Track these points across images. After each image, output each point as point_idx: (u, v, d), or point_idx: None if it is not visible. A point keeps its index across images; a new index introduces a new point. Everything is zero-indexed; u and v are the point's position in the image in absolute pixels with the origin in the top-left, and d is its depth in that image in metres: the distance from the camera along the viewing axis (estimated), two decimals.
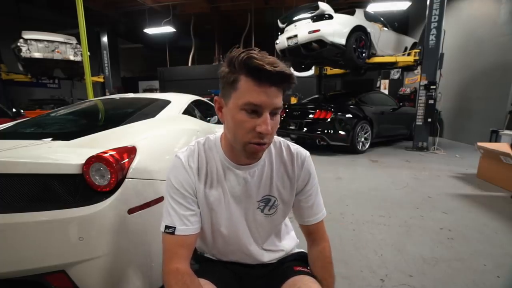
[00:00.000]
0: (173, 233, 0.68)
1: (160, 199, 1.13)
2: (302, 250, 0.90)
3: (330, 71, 8.12)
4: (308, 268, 0.82)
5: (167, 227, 0.69)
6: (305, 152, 0.80)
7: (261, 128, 0.61)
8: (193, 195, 0.73)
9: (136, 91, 13.22)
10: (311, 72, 7.86)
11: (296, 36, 5.24)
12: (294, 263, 0.84)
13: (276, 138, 0.79)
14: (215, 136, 0.77)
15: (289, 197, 0.78)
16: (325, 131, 4.81)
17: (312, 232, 0.81)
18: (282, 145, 0.79)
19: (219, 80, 0.66)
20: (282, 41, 5.64)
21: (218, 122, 2.50)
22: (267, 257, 0.83)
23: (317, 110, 4.98)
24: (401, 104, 6.51)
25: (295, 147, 0.79)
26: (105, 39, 10.87)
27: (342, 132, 4.82)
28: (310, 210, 0.80)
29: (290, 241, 0.90)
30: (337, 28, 4.97)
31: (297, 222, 0.84)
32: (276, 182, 0.76)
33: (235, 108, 0.62)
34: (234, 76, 0.61)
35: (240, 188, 0.75)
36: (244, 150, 0.65)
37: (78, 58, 7.69)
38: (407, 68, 7.07)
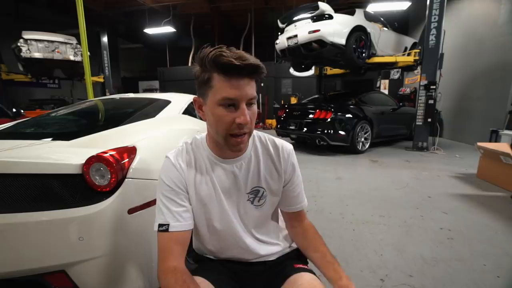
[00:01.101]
0: (167, 230, 0.70)
1: None
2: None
3: (330, 71, 8.11)
4: (308, 265, 0.83)
5: (160, 225, 0.71)
6: (289, 146, 0.84)
7: (240, 119, 0.65)
8: (184, 191, 0.75)
9: (136, 91, 13.21)
10: (311, 72, 7.86)
11: (296, 36, 5.23)
12: (293, 261, 0.84)
13: (261, 133, 0.84)
14: (201, 136, 0.81)
15: (277, 188, 0.82)
16: (325, 131, 4.81)
17: (294, 217, 0.87)
18: (267, 140, 0.83)
19: (195, 81, 0.69)
20: (282, 41, 5.64)
21: None
22: (264, 250, 0.84)
23: (317, 110, 4.98)
24: (401, 104, 6.50)
25: (280, 141, 0.83)
26: (105, 39, 10.86)
27: (342, 132, 4.82)
28: (296, 199, 0.84)
29: (287, 238, 0.91)
30: (337, 28, 4.96)
31: (281, 209, 0.87)
32: (264, 174, 0.80)
33: (213, 105, 0.66)
34: (208, 75, 0.65)
35: (229, 182, 0.77)
36: (227, 143, 0.69)
37: (78, 58, 7.68)
38: (407, 68, 7.06)
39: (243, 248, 0.82)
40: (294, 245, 0.91)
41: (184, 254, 0.72)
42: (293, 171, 0.82)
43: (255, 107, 0.69)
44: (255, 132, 0.81)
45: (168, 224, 0.70)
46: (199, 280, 0.72)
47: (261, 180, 0.79)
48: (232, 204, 0.79)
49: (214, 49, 0.63)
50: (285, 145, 0.83)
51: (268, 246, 0.85)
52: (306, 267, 0.81)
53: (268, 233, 0.86)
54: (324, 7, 5.04)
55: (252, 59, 0.63)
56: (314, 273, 0.78)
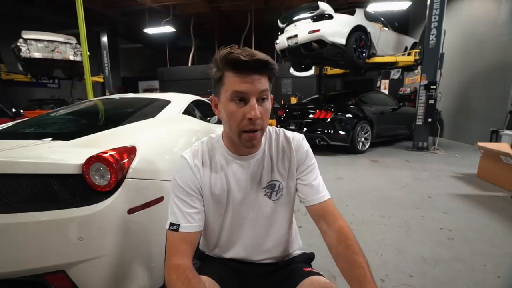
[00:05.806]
0: (177, 230, 0.71)
1: (160, 199, 1.13)
2: (305, 252, 0.90)
3: (330, 71, 8.11)
4: (315, 269, 0.82)
5: (171, 224, 0.72)
6: (300, 135, 0.84)
7: (251, 114, 0.66)
8: (198, 194, 0.76)
9: (136, 91, 13.21)
10: (311, 72, 7.85)
11: (296, 36, 5.23)
12: (301, 264, 0.84)
13: (272, 127, 0.85)
14: (217, 134, 0.82)
15: (291, 178, 0.81)
16: (325, 131, 4.81)
17: (322, 214, 0.76)
18: (278, 132, 0.84)
19: (212, 81, 0.71)
20: (282, 41, 5.64)
21: (218, 122, 2.50)
22: (270, 252, 0.84)
23: (317, 110, 4.99)
24: (401, 104, 6.51)
25: (290, 133, 0.85)
26: (105, 39, 10.85)
27: (342, 132, 4.82)
28: (312, 188, 0.79)
29: (294, 241, 0.91)
30: (337, 28, 4.96)
31: (304, 205, 0.80)
32: (277, 167, 0.80)
33: (225, 101, 0.68)
34: (220, 73, 0.68)
35: (246, 178, 0.78)
36: (240, 139, 0.70)
37: (78, 58, 7.67)
38: (407, 68, 7.06)
39: (249, 247, 0.82)
40: (300, 251, 0.91)
41: (192, 253, 0.73)
42: (305, 158, 0.81)
43: (267, 104, 0.70)
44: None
45: (179, 225, 0.72)
46: (204, 278, 0.72)
47: (275, 174, 0.80)
48: (248, 201, 0.79)
49: (226, 48, 0.66)
50: (296, 135, 0.84)
51: (277, 247, 0.85)
52: (315, 270, 0.80)
53: (277, 235, 0.85)
54: (324, 7, 5.04)
55: (261, 55, 0.65)
56: (324, 276, 0.78)
